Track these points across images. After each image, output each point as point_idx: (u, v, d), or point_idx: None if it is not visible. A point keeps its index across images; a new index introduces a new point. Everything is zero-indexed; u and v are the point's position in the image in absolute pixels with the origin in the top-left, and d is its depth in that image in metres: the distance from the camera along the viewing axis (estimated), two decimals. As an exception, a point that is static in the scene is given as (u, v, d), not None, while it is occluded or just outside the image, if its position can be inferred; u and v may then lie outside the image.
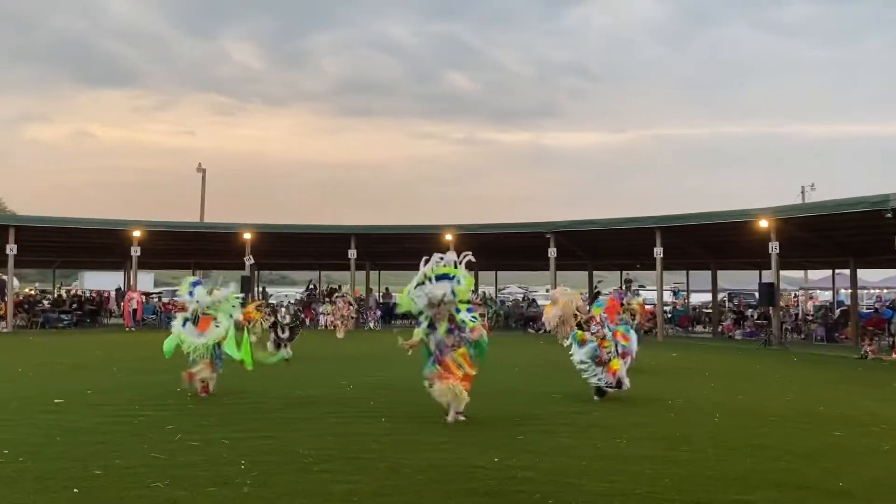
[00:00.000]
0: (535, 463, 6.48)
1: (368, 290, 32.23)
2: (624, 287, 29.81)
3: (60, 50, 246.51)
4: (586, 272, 31.93)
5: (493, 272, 36.52)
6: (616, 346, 10.13)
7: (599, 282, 32.19)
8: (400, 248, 31.98)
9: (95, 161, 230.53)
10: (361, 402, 9.71)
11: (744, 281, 40.13)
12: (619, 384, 9.99)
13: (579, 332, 10.21)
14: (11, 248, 25.12)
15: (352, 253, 28.48)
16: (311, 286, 34.94)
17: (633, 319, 13.28)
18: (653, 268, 25.78)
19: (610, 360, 9.95)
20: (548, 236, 26.17)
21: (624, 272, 32.87)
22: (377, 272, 35.99)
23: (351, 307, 25.37)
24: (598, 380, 9.97)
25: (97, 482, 5.68)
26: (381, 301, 31.84)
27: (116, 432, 7.57)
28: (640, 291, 32.09)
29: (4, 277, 28.18)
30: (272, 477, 5.89)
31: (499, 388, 10.95)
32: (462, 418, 8.26)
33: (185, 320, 10.25)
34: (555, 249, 26.21)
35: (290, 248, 32.95)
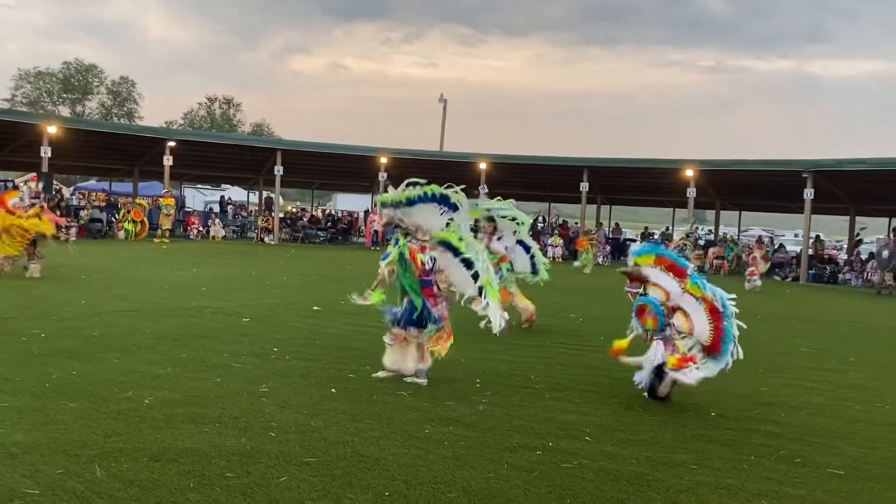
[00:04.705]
0: (780, 417, 6.04)
1: (598, 225, 31.73)
2: (892, 236, 26.32)
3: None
4: (846, 217, 28.62)
5: (737, 212, 34.08)
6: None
7: (863, 228, 28.80)
8: (634, 182, 30.90)
9: (347, 91, 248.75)
10: (591, 336, 9.65)
11: None
12: (651, 391, 6.27)
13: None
14: (278, 170, 28.19)
15: (584, 186, 28.06)
16: (540, 217, 35.14)
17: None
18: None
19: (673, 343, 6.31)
20: (805, 175, 23.69)
21: (894, 219, 29.02)
22: (608, 206, 35.21)
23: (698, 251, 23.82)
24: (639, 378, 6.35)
25: (350, 384, 6.27)
26: (611, 236, 31.22)
27: (365, 340, 8.25)
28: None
29: (273, 195, 31.85)
30: (505, 398, 6.08)
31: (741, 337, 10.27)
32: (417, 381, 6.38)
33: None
34: (812, 191, 23.72)
35: (522, 178, 33.19)
